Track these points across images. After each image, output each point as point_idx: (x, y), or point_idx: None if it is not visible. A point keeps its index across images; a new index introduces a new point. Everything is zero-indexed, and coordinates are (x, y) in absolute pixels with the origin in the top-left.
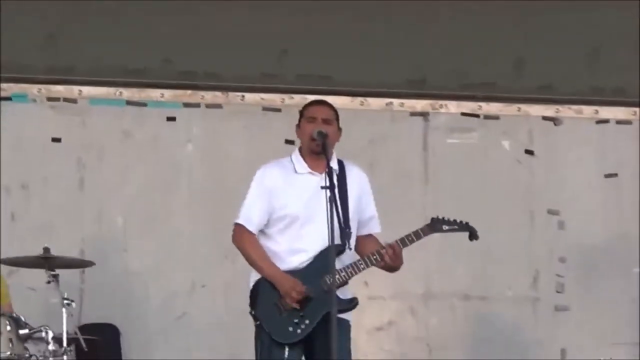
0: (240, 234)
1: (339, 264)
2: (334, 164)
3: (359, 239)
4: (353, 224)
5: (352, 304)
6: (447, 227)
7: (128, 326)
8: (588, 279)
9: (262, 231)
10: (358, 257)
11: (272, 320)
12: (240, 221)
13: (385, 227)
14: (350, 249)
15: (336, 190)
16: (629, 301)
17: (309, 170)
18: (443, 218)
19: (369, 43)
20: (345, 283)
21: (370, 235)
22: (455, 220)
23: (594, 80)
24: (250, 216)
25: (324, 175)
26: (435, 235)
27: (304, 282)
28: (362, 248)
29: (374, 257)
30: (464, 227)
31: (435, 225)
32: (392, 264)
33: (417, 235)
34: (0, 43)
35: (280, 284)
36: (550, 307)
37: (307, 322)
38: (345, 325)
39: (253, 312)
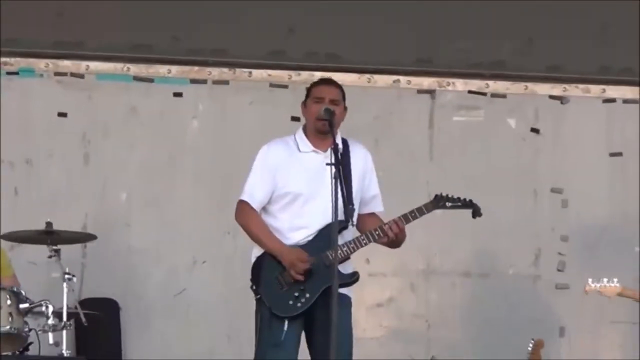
0: (243, 211)
1: (341, 240)
2: (338, 143)
3: (361, 217)
4: (356, 202)
5: (352, 278)
6: (450, 204)
7: (128, 301)
8: (589, 257)
9: (264, 208)
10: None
11: (272, 294)
12: (244, 198)
13: (390, 204)
14: (354, 225)
15: (340, 168)
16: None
17: (313, 148)
18: (447, 195)
19: (377, 20)
20: (347, 258)
21: (372, 214)
22: (458, 198)
23: (602, 60)
24: (254, 193)
25: (328, 152)
26: (438, 212)
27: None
28: (365, 226)
29: (377, 232)
30: (467, 204)
31: (439, 202)
32: (395, 240)
33: (420, 211)
34: (6, 18)
35: (284, 257)
36: (550, 285)
37: (307, 295)
38: (346, 301)
39: (254, 287)
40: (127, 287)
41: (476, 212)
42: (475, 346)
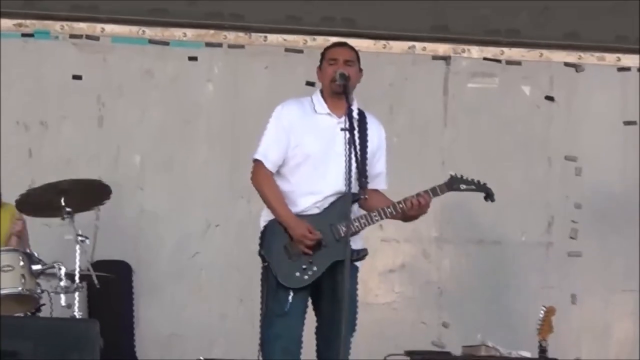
0: (259, 173)
1: (352, 213)
2: (355, 112)
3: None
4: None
5: (361, 254)
6: (464, 187)
7: (141, 264)
8: (602, 226)
9: (277, 171)
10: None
11: (280, 263)
12: (258, 157)
13: (403, 170)
14: (366, 198)
15: (356, 136)
16: None
17: (328, 111)
18: (461, 177)
19: None
20: (356, 233)
21: (376, 191)
22: (472, 180)
23: (618, 28)
24: (267, 152)
25: (343, 118)
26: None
27: (316, 228)
28: (370, 202)
29: (400, 205)
30: (481, 187)
31: (453, 183)
32: (415, 215)
33: (434, 192)
34: None
35: (293, 229)
36: (563, 253)
37: (315, 269)
38: (353, 270)
39: (262, 253)
40: (139, 250)
41: (489, 197)
42: (487, 313)
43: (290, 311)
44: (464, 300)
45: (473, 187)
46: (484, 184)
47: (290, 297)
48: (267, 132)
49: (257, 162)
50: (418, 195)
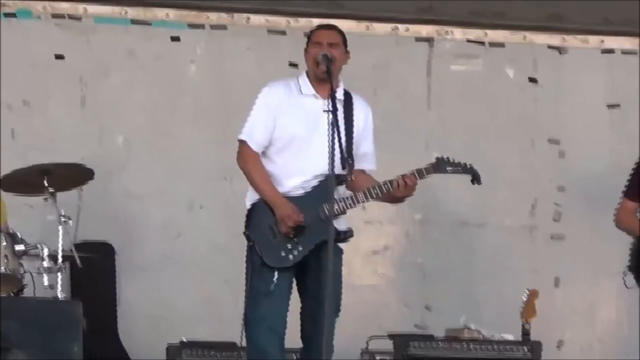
0: (244, 154)
1: (336, 194)
2: (340, 93)
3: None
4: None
5: (346, 235)
6: (450, 169)
7: (124, 245)
8: (586, 208)
9: (263, 152)
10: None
11: (265, 243)
12: (243, 137)
13: (387, 151)
14: (352, 179)
15: (341, 119)
16: (623, 233)
17: (314, 92)
18: (447, 159)
19: None
20: (342, 213)
21: (363, 171)
22: (459, 162)
23: (602, 11)
24: (253, 133)
25: (327, 100)
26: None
27: (301, 209)
28: (356, 183)
29: (386, 186)
30: (467, 170)
31: (440, 165)
32: (401, 196)
33: (420, 173)
34: None
35: (278, 209)
36: (546, 236)
37: (300, 248)
38: (337, 252)
39: (247, 233)
40: (122, 230)
41: (476, 179)
42: (470, 296)
43: (275, 291)
44: (447, 283)
45: (459, 169)
46: (471, 166)
47: (275, 277)
48: (253, 113)
49: (243, 143)
50: (404, 176)
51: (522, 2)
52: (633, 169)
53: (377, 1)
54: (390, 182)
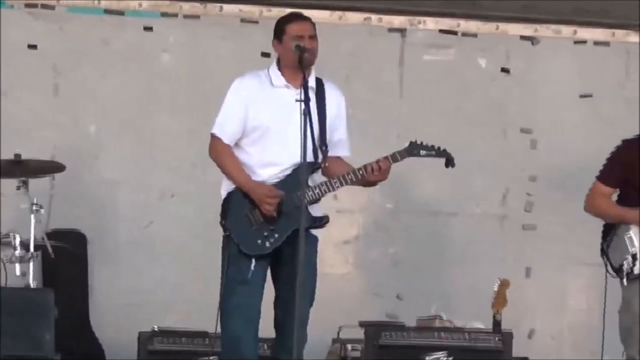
0: (216, 146)
1: (311, 181)
2: (312, 81)
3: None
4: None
5: (322, 221)
6: (424, 152)
7: (96, 233)
8: (557, 198)
9: (236, 144)
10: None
11: (241, 232)
12: (214, 131)
13: (359, 140)
14: (326, 166)
15: (313, 107)
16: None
17: (286, 83)
18: (421, 143)
19: None
20: (317, 200)
21: (338, 158)
22: (432, 146)
23: (575, 1)
24: (225, 127)
25: (300, 89)
26: None
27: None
28: (331, 170)
29: (360, 172)
30: (441, 153)
31: (413, 149)
32: (375, 180)
33: (394, 157)
34: None
35: (254, 192)
36: (518, 226)
37: (276, 235)
38: (313, 240)
39: (223, 222)
40: (95, 219)
41: (449, 162)
42: (441, 285)
43: (252, 279)
44: (418, 272)
45: (433, 152)
46: (444, 149)
47: (252, 265)
48: (224, 105)
49: (214, 136)
50: (378, 161)
51: None
52: (612, 152)
53: None
54: (365, 167)
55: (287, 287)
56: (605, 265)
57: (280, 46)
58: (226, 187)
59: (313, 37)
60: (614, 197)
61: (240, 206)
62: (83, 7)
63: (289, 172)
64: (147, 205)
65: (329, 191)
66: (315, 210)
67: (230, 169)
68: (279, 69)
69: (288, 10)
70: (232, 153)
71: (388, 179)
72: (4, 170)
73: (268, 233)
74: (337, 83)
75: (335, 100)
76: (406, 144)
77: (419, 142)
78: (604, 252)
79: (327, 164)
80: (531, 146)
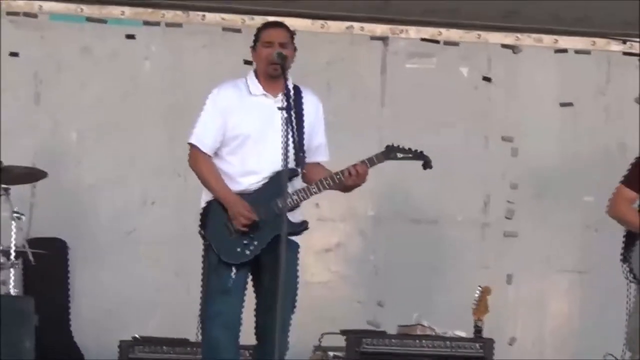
0: (195, 156)
1: (291, 188)
2: (290, 88)
3: (306, 166)
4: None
5: (301, 227)
6: (401, 155)
7: (77, 241)
8: (538, 206)
9: (215, 152)
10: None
11: (221, 241)
12: (192, 141)
13: (341, 149)
14: (305, 172)
15: (292, 113)
16: (577, 229)
17: (263, 92)
18: (398, 146)
19: None
20: (296, 206)
21: (318, 164)
22: (409, 149)
23: (555, 10)
24: (203, 137)
25: (279, 97)
26: None
27: (255, 204)
28: (309, 176)
29: (337, 177)
30: (418, 155)
31: (390, 152)
32: (352, 184)
33: (371, 161)
34: None
35: (230, 206)
36: (499, 233)
37: (255, 243)
38: (294, 247)
39: (202, 232)
40: (76, 226)
41: (427, 164)
42: (422, 293)
43: (233, 287)
44: (399, 279)
45: (410, 155)
46: (421, 152)
47: (232, 274)
48: (202, 115)
49: (193, 146)
50: (355, 165)
51: (476, 1)
52: (636, 158)
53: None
54: (342, 172)
55: (269, 294)
56: (628, 272)
57: (255, 54)
58: (206, 196)
59: (284, 44)
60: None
61: (219, 215)
62: (65, 14)
63: (268, 179)
64: (128, 212)
65: (307, 197)
66: (295, 217)
67: (208, 179)
68: (257, 77)
69: (270, 19)
70: (211, 163)
71: (369, 187)
72: None
73: (248, 241)
74: (318, 91)
75: (313, 106)
76: (383, 148)
77: (395, 145)
78: (626, 260)
79: (305, 171)
80: (512, 154)
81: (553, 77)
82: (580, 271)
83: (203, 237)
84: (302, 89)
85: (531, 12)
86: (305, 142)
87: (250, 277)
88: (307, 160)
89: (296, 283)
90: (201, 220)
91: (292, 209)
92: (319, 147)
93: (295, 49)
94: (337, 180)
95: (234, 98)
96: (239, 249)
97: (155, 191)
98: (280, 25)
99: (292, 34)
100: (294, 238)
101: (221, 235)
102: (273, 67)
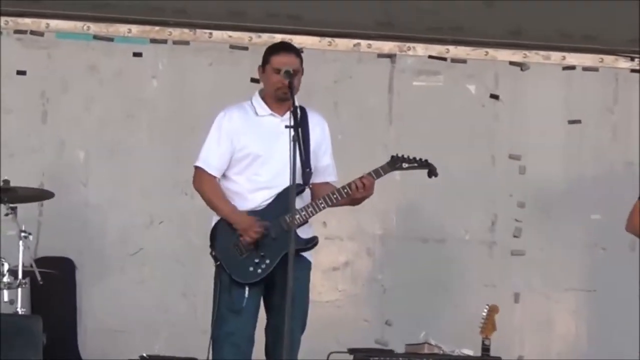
0: (200, 177)
1: (299, 203)
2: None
3: (315, 187)
4: (312, 167)
5: (311, 243)
6: (407, 165)
7: (84, 260)
8: (546, 224)
9: (223, 174)
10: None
11: (232, 261)
12: (198, 164)
13: (348, 167)
14: (310, 188)
15: (299, 131)
16: (584, 247)
17: (270, 112)
18: (403, 156)
19: None
20: (305, 222)
21: (327, 183)
22: (414, 158)
23: (563, 26)
24: (209, 159)
25: (285, 116)
26: (396, 177)
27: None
28: (319, 194)
29: (345, 190)
30: (423, 164)
31: (395, 162)
32: (360, 197)
33: (377, 173)
34: None
35: (237, 223)
36: (506, 252)
37: (267, 262)
38: (305, 264)
39: (213, 253)
40: (83, 245)
41: (432, 172)
42: (430, 311)
43: (246, 307)
44: (407, 298)
45: (415, 164)
46: (426, 160)
47: (246, 293)
48: (209, 138)
49: (198, 168)
50: (361, 178)
51: (483, 18)
52: None
53: (339, 17)
54: (349, 185)
55: (279, 313)
56: None
57: (263, 75)
58: (215, 217)
59: (295, 71)
60: None
61: (229, 235)
62: (72, 32)
63: (275, 196)
64: (135, 231)
65: (315, 212)
66: (305, 232)
67: (213, 199)
68: (262, 98)
69: (277, 37)
70: (215, 184)
71: (377, 206)
72: None
73: (259, 260)
74: (326, 109)
75: (319, 126)
76: (388, 159)
77: (400, 155)
78: None
79: (314, 190)
80: (520, 172)
81: (561, 95)
82: (588, 290)
83: (214, 257)
84: (307, 109)
85: (539, 29)
86: (311, 159)
87: (262, 297)
88: (317, 180)
89: (307, 302)
90: (211, 240)
91: (301, 224)
92: (327, 168)
93: (302, 70)
94: (344, 193)
95: (241, 120)
96: (251, 268)
97: (161, 210)
98: (291, 49)
99: (301, 58)
100: (306, 255)
101: (232, 255)
102: (282, 92)
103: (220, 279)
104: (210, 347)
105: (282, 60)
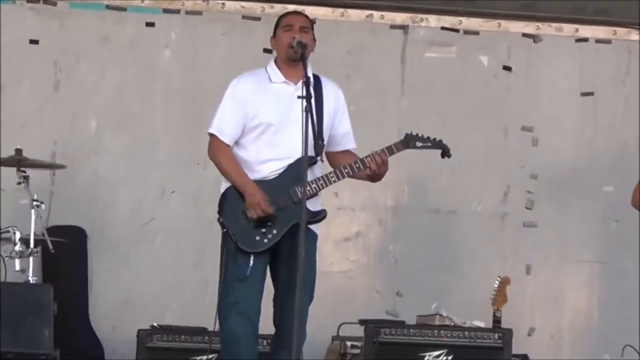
0: (215, 146)
1: (310, 175)
2: (310, 77)
3: (335, 155)
4: (325, 139)
5: (320, 216)
6: (420, 144)
7: (96, 229)
8: (558, 196)
9: (236, 142)
10: (329, 170)
11: (239, 229)
12: (212, 131)
13: (360, 138)
14: (322, 161)
15: (312, 101)
16: (597, 220)
17: (284, 79)
18: (417, 134)
19: None
20: (314, 195)
21: (347, 151)
22: (428, 137)
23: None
24: (222, 126)
25: (299, 85)
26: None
27: (274, 192)
28: (339, 164)
29: (357, 165)
30: (437, 144)
31: (409, 141)
32: (377, 173)
33: (390, 150)
34: None
35: (248, 196)
36: (518, 223)
37: (274, 232)
38: (312, 237)
39: (221, 219)
40: (95, 215)
41: (445, 153)
42: (441, 283)
43: (250, 276)
44: (418, 269)
45: (429, 144)
46: (440, 140)
47: (251, 262)
48: (222, 105)
49: (212, 136)
50: (375, 153)
51: None
52: None
53: None
54: (362, 160)
55: (286, 285)
56: None
57: (274, 41)
58: (225, 183)
59: (304, 28)
60: None
61: (237, 203)
62: (85, 2)
63: (286, 167)
64: (147, 201)
65: (326, 185)
66: (314, 205)
67: (227, 167)
68: (277, 65)
69: (290, 7)
70: (229, 152)
71: (389, 177)
72: (4, 166)
73: (266, 229)
74: (338, 80)
75: (333, 94)
76: (402, 137)
77: (414, 134)
78: None
79: (332, 155)
80: (532, 144)
81: (573, 67)
82: (600, 262)
83: (221, 224)
84: (321, 78)
85: (551, 1)
86: (327, 131)
87: (269, 267)
88: (336, 149)
89: (314, 273)
90: (219, 207)
91: (311, 197)
92: (346, 135)
93: (314, 40)
94: (356, 168)
95: (254, 88)
96: (257, 237)
97: (174, 181)
98: (300, 12)
99: (312, 22)
100: (312, 227)
101: (239, 222)
102: (293, 51)
103: (227, 247)
104: (217, 314)
105: (291, 18)
